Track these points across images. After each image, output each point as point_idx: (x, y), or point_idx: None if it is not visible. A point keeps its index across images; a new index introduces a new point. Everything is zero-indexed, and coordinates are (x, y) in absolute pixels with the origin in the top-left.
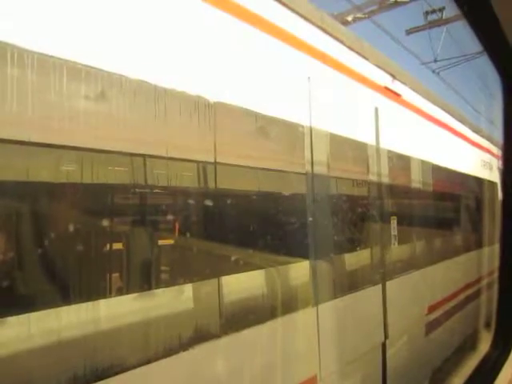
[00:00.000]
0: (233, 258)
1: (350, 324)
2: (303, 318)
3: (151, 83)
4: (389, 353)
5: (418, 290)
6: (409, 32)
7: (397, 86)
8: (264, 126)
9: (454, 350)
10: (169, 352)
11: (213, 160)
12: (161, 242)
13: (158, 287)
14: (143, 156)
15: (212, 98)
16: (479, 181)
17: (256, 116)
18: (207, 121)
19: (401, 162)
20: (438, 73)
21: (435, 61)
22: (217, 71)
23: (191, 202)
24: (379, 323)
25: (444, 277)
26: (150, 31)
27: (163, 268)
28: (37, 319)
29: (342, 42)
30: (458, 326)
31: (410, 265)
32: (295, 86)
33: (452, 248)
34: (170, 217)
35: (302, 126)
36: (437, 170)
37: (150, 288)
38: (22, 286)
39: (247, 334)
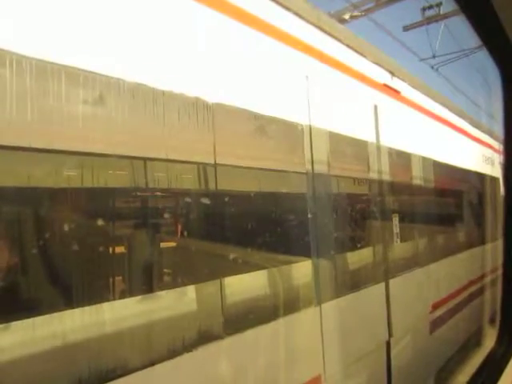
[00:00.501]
0: (235, 259)
1: (353, 323)
2: (306, 317)
3: (149, 86)
4: (393, 351)
5: (421, 287)
6: (406, 28)
7: (396, 83)
8: (263, 126)
9: (458, 347)
10: (172, 354)
11: (213, 161)
12: (163, 245)
13: (161, 289)
14: (143, 159)
15: (210, 99)
16: (481, 176)
17: (255, 116)
18: (206, 122)
19: (401, 159)
20: (437, 69)
21: (434, 56)
22: (214, 72)
23: (192, 204)
24: (383, 322)
25: (447, 274)
26: (145, 33)
27: (166, 270)
28: (41, 323)
29: (339, 40)
30: (463, 323)
31: (412, 262)
32: (293, 85)
33: (455, 245)
34: (171, 219)
35: (302, 126)
36: (438, 166)
37: (153, 290)
38: (26, 290)
39: (250, 334)
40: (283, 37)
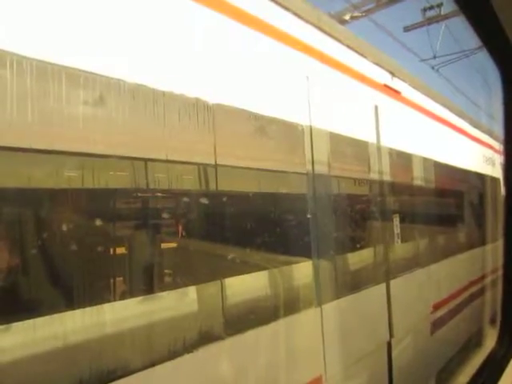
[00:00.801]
0: (236, 260)
1: (354, 324)
2: (307, 318)
3: (149, 86)
4: (394, 352)
5: (422, 288)
6: (407, 29)
7: (396, 84)
8: (263, 126)
9: (459, 348)
10: (173, 354)
11: (213, 162)
12: (164, 246)
13: (162, 290)
14: (144, 160)
15: (210, 99)
16: (481, 177)
17: (255, 117)
18: (206, 123)
19: (402, 159)
20: (438, 69)
21: (434, 57)
22: (214, 72)
23: (193, 204)
24: (384, 322)
25: (448, 275)
26: (145, 34)
27: (167, 271)
28: (42, 324)
29: (339, 40)
30: (464, 323)
31: (413, 263)
32: (293, 85)
33: (456, 245)
34: (172, 220)
35: (302, 126)
36: (439, 167)
37: (154, 291)
38: (27, 291)
39: (251, 335)
40: (283, 37)
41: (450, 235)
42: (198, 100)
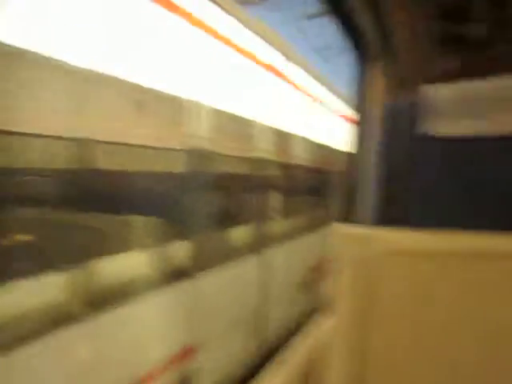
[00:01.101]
0: (105, 240)
1: (228, 292)
2: (180, 291)
3: None
4: (266, 314)
5: (292, 256)
6: (309, 16)
7: (283, 65)
8: (141, 99)
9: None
10: (26, 339)
11: (82, 136)
12: (23, 230)
13: (16, 277)
14: None
15: (79, 64)
16: (344, 153)
17: (132, 88)
18: (74, 92)
19: (282, 137)
20: (328, 59)
21: (326, 48)
22: (83, 32)
23: (53, 182)
24: (258, 288)
25: (316, 244)
26: None
27: (23, 255)
28: None
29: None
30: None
31: (288, 234)
32: (176, 57)
33: (323, 219)
34: (33, 200)
35: (184, 100)
36: (317, 147)
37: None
38: None
39: (119, 312)
40: (172, 7)
41: (319, 210)
42: (62, 63)
